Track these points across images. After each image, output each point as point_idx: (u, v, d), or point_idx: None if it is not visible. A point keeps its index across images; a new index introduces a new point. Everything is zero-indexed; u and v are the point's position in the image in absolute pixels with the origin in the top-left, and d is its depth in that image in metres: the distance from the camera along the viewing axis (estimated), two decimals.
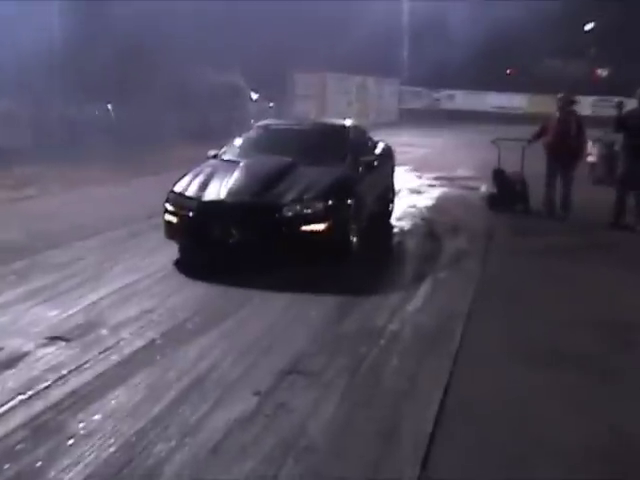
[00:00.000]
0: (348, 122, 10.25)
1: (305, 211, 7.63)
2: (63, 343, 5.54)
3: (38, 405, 4.51)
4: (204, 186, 7.99)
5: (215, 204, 7.72)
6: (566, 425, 4.48)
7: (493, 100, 39.96)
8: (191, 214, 7.73)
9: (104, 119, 20.78)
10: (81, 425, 4.27)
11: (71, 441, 4.09)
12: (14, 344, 5.48)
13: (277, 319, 6.17)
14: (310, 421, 4.39)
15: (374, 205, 9.53)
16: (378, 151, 10.40)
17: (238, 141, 9.62)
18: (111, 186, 13.04)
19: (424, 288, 7.21)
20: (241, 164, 8.51)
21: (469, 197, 12.91)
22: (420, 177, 15.57)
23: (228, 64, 25.62)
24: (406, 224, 10.33)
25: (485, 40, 32.61)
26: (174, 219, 7.85)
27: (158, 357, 5.30)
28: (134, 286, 7.03)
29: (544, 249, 9.12)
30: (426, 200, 12.60)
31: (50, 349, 5.42)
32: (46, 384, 4.81)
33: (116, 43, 18.16)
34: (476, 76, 37.52)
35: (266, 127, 10.03)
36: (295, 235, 7.57)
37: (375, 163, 9.62)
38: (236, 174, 8.17)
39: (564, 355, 5.56)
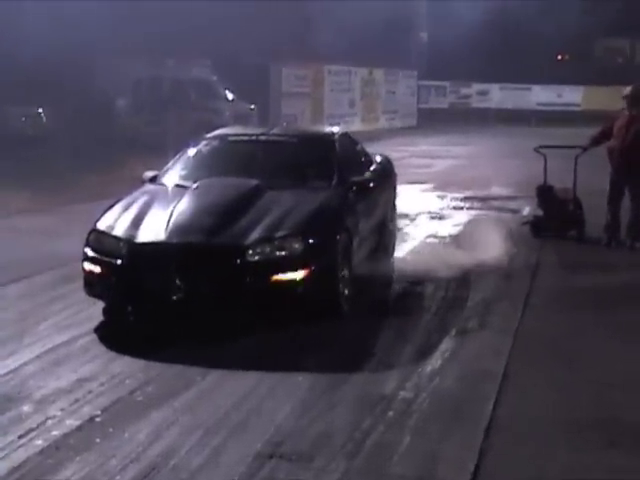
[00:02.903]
0: (335, 129, 10.11)
1: (277, 254, 7.29)
2: None
3: None
4: (137, 222, 7.58)
5: (153, 247, 7.37)
6: None
7: (538, 95, 40.29)
8: (119, 261, 7.34)
9: (34, 126, 20.90)
10: None
11: None
12: None
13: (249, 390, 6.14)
14: None
15: (370, 241, 9.24)
16: (374, 167, 10.05)
17: (184, 158, 9.22)
18: (39, 214, 13.07)
19: (446, 345, 7.19)
20: (189, 190, 8.16)
21: (507, 222, 12.92)
22: (443, 198, 15.63)
23: (195, 56, 25.84)
24: (421, 260, 10.30)
25: (526, 18, 32.86)
26: (96, 268, 7.48)
27: (97, 440, 5.25)
28: (67, 347, 6.99)
29: (604, 290, 9.11)
30: (450, 228, 12.65)
31: None
32: None
33: (44, 36, 18.32)
34: (516, 65, 37.73)
35: (222, 138, 9.63)
36: (263, 288, 7.22)
37: (371, 184, 9.23)
38: (182, 205, 7.80)
39: (626, 431, 5.52)
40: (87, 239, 7.64)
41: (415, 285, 9.15)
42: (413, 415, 5.71)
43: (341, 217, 8.09)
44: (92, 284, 7.59)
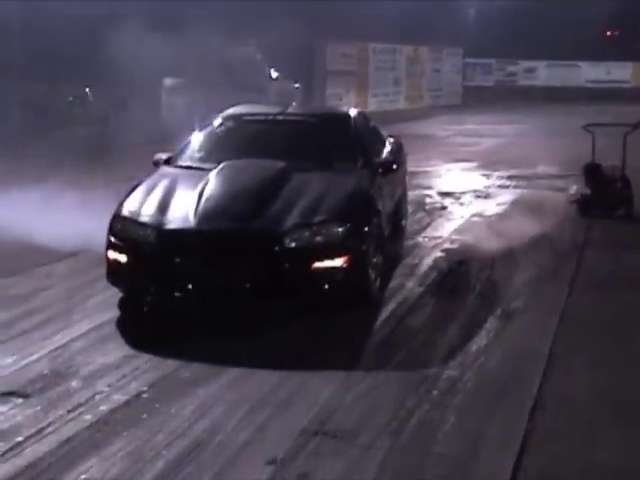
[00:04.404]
0: (353, 110, 9.75)
1: (315, 240, 7.01)
2: (19, 400, 5.56)
3: None
4: (164, 207, 7.25)
5: (183, 234, 7.07)
6: None
7: (587, 72, 39.82)
8: (148, 249, 7.03)
9: (81, 106, 21.04)
10: None
11: None
12: None
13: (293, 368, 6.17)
14: None
15: (390, 223, 9.03)
16: (390, 147, 9.83)
17: (199, 139, 8.87)
18: (92, 191, 13.11)
19: (491, 324, 7.15)
20: (214, 173, 7.76)
21: (554, 201, 12.84)
22: (489, 176, 15.54)
23: (240, 34, 25.83)
24: (466, 239, 10.25)
25: None
26: (122, 257, 7.14)
27: (144, 415, 5.31)
28: (114, 324, 7.07)
29: None
30: (496, 206, 12.56)
31: (2, 408, 5.43)
32: None
33: (92, 13, 18.40)
34: (564, 42, 37.28)
35: (236, 118, 9.20)
36: (303, 276, 6.96)
37: (394, 165, 9.04)
38: (209, 188, 7.45)
39: None
40: (110, 226, 7.31)
41: (460, 264, 9.11)
42: (458, 394, 5.70)
43: (373, 200, 7.85)
44: (117, 273, 7.24)
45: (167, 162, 8.48)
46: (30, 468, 4.67)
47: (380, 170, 8.46)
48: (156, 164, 8.50)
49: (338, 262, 6.98)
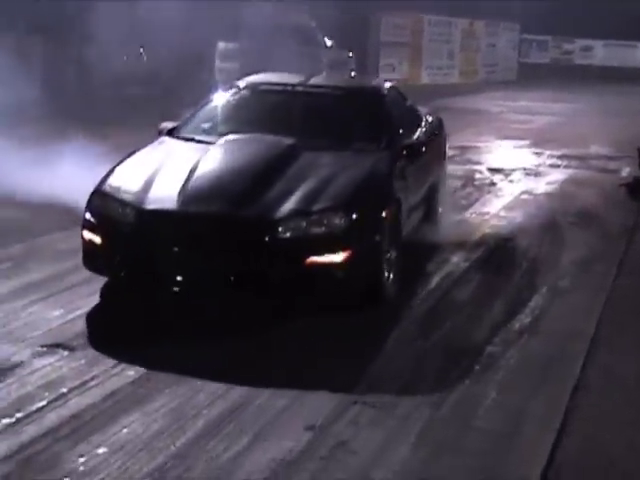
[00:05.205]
0: (384, 85, 8.92)
1: (313, 231, 6.20)
2: (65, 352, 5.64)
3: (29, 431, 4.60)
4: (149, 184, 6.47)
5: (163, 216, 6.26)
6: None
7: None
8: (124, 232, 6.28)
9: (135, 66, 21.09)
10: (81, 460, 4.33)
11: None
12: (3, 352, 5.60)
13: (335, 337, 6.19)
14: (376, 467, 4.39)
15: (419, 211, 8.21)
16: (425, 127, 8.87)
17: (209, 108, 8.14)
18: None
19: (536, 302, 7.11)
20: (211, 148, 7.07)
21: (605, 183, 12.69)
22: (540, 155, 15.39)
23: (295, 0, 25.74)
24: (514, 216, 10.17)
25: None
26: (97, 238, 6.39)
27: (187, 375, 5.35)
28: None
29: None
30: (546, 185, 12.44)
31: (48, 360, 5.52)
32: (40, 405, 4.90)
33: None
34: (622, 22, 36.68)
35: (253, 87, 8.36)
36: (296, 271, 6.13)
37: (423, 148, 8.18)
38: (203, 165, 6.69)
39: None
40: (88, 201, 6.56)
41: (507, 241, 9.06)
42: (500, 370, 5.69)
43: (390, 187, 6.98)
44: (91, 256, 6.49)
45: (170, 132, 7.71)
46: (74, 419, 4.74)
47: (405, 152, 7.54)
48: (160, 134, 7.74)
49: (337, 257, 6.15)
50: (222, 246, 6.16)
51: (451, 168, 12.57)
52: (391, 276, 6.74)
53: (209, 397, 5.07)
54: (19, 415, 4.76)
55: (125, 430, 4.64)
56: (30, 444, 4.46)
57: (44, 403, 4.91)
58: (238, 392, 5.17)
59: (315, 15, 25.57)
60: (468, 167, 13.25)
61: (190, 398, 5.05)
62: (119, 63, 20.63)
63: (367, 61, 27.38)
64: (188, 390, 5.15)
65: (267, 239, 6.07)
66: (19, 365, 5.40)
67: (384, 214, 6.58)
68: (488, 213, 10.32)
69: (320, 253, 6.11)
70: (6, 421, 4.69)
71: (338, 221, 6.20)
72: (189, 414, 4.85)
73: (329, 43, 25.32)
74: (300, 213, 6.18)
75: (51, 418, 4.74)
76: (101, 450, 4.42)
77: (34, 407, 4.86)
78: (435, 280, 7.56)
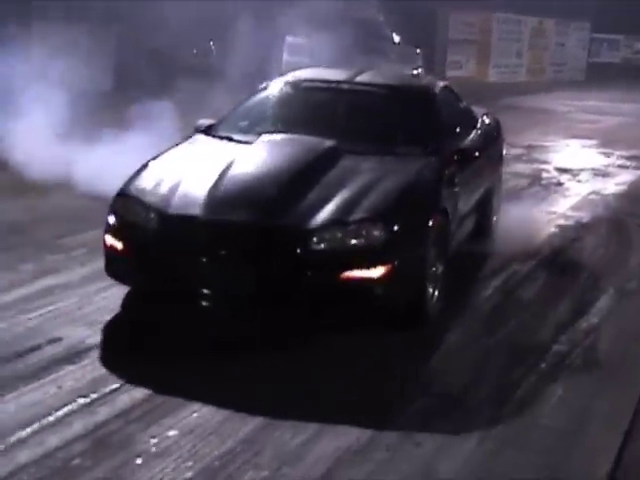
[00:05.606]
0: (437, 84, 8.30)
1: (350, 243, 5.68)
2: None
3: (102, 412, 4.73)
4: (177, 186, 6.02)
5: (187, 222, 5.76)
6: None
7: None
8: (145, 238, 5.85)
9: (204, 59, 21.29)
10: (153, 441, 4.45)
11: (139, 460, 4.27)
12: (77, 334, 5.75)
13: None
14: (441, 461, 4.44)
15: (470, 221, 7.70)
16: (479, 130, 8.29)
17: (248, 106, 7.70)
18: None
19: (603, 303, 7.08)
20: (246, 149, 6.64)
21: None
22: (609, 155, 15.22)
23: None
24: (582, 217, 10.09)
25: None
26: (119, 244, 5.96)
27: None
28: None
29: None
30: (614, 186, 12.30)
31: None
32: (114, 386, 5.03)
33: None
34: None
35: (295, 84, 7.81)
36: (329, 286, 5.61)
37: (476, 153, 7.68)
38: (235, 167, 6.23)
39: None
40: (111, 204, 6.14)
41: (575, 241, 9.00)
42: (565, 369, 5.69)
43: (437, 195, 6.45)
44: (113, 262, 6.07)
45: (207, 130, 7.27)
46: (146, 402, 4.87)
47: (456, 157, 7.01)
48: (197, 131, 7.33)
49: (376, 272, 5.64)
50: (248, 258, 5.67)
51: (518, 167, 12.62)
52: (436, 293, 6.27)
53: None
54: (94, 396, 4.89)
55: (195, 415, 4.74)
56: (104, 424, 4.59)
57: (117, 385, 5.03)
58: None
59: (383, 10, 25.57)
60: (535, 166, 13.17)
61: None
62: (189, 55, 20.90)
63: (434, 58, 27.29)
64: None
65: (299, 250, 5.59)
66: (93, 348, 5.55)
67: (429, 225, 6.09)
68: (555, 212, 10.23)
69: (356, 267, 5.60)
70: (82, 401, 4.82)
71: (377, 233, 5.69)
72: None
73: (397, 39, 25.28)
74: (336, 223, 5.68)
75: (124, 400, 4.87)
76: (172, 433, 4.53)
77: (107, 389, 4.98)
78: (502, 278, 7.55)
